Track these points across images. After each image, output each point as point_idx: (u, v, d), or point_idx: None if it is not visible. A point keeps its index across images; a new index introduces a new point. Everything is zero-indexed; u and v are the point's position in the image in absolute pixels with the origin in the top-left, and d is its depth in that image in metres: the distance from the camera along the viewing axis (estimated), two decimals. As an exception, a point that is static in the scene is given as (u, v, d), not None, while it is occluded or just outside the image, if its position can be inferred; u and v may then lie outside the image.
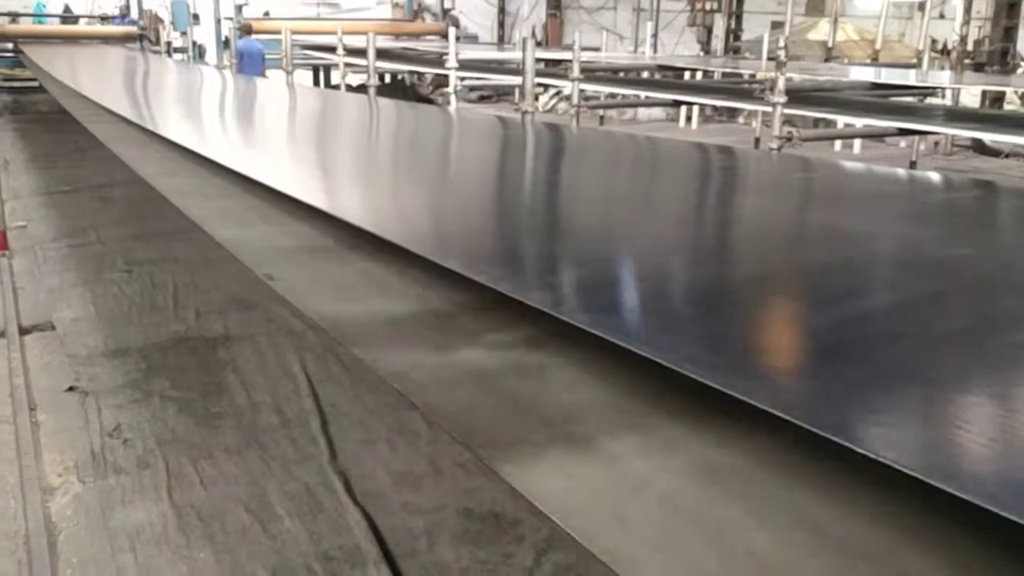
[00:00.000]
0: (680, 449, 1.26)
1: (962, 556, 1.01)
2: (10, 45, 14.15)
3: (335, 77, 13.68)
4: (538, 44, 14.17)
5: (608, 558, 1.05)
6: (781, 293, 1.96)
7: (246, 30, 13.45)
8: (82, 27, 16.52)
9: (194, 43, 14.51)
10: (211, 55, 15.42)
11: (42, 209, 7.33)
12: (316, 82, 15.69)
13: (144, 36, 14.97)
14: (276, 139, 5.34)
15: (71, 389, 3.74)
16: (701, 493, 1.17)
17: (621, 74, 11.38)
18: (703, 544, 1.07)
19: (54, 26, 16.07)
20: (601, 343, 1.47)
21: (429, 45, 14.25)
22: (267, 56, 13.21)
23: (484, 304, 1.78)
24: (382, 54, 11.01)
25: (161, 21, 15.47)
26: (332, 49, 11.40)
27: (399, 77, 15.60)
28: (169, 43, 14.69)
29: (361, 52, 10.17)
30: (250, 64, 12.36)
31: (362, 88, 11.07)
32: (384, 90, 13.04)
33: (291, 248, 2.42)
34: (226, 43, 14.82)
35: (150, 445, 3.25)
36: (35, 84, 12.33)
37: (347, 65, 11.13)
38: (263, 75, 11.71)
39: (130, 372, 3.93)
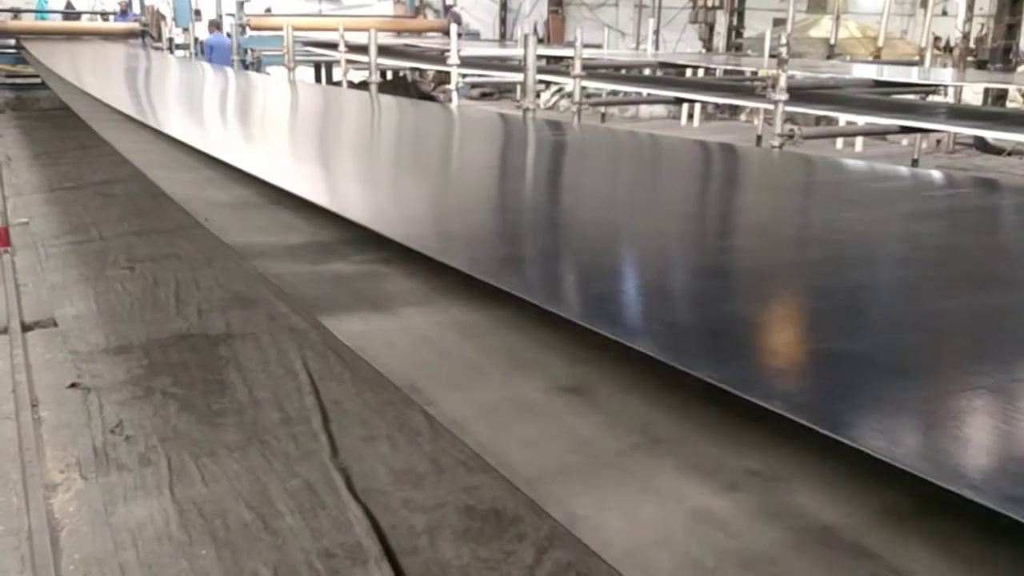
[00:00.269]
0: (448, 314, 1.96)
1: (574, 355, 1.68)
2: (12, 42, 14.13)
3: (337, 74, 13.71)
4: (540, 41, 14.16)
5: (371, 360, 1.73)
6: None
7: (214, 26, 14.67)
8: (84, 23, 16.52)
9: (196, 39, 14.49)
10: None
11: (44, 206, 7.34)
12: (318, 79, 15.68)
13: (146, 32, 14.95)
14: (254, 126, 5.90)
15: (73, 386, 3.75)
16: (446, 333, 1.87)
17: (623, 71, 11.37)
18: (436, 355, 1.78)
19: (56, 23, 16.07)
20: (432, 263, 2.10)
21: (431, 42, 14.24)
22: (269, 53, 13.87)
23: (362, 240, 2.43)
24: (384, 51, 11.01)
25: (163, 17, 15.46)
26: (334, 46, 11.39)
27: (401, 74, 15.59)
28: (171, 39, 14.68)
29: (363, 49, 10.16)
30: (219, 56, 13.71)
31: (364, 85, 11.06)
32: (386, 87, 13.03)
33: (229, 203, 3.11)
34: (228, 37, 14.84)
35: (152, 442, 3.25)
36: (37, 80, 12.34)
37: (349, 62, 11.12)
38: (231, 65, 12.91)
39: (132, 369, 3.94)
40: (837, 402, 1.30)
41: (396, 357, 1.74)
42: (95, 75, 8.94)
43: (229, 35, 14.54)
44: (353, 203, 3.06)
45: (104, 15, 16.89)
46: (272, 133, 5.60)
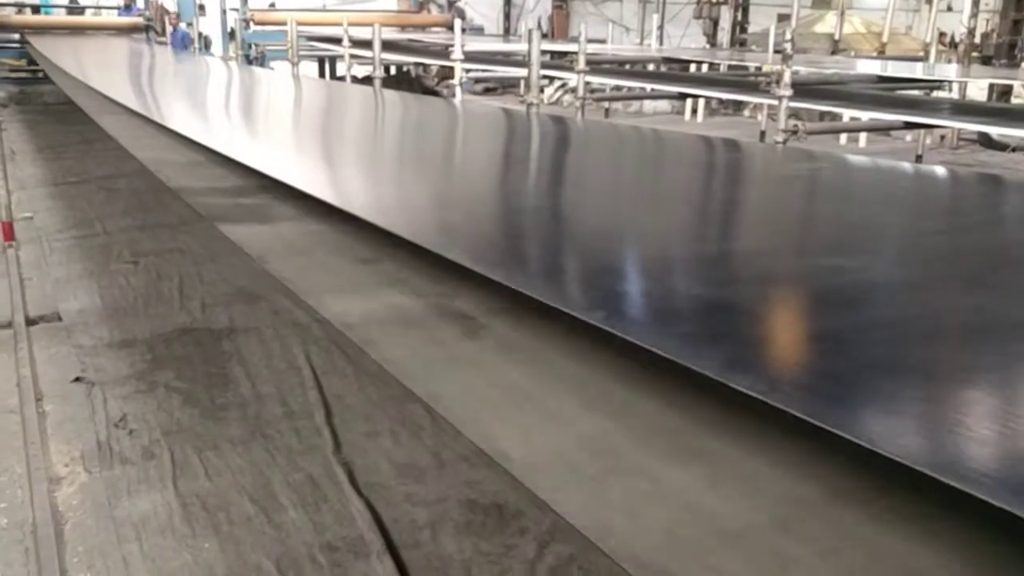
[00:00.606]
0: (306, 226, 2.73)
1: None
2: (16, 36, 14.14)
3: (340, 68, 13.72)
4: (544, 36, 14.13)
5: (244, 246, 2.58)
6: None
7: (176, 18, 15.31)
8: (88, 18, 16.52)
9: (200, 34, 14.50)
10: (217, 46, 15.44)
11: (49, 200, 7.35)
12: (322, 73, 15.70)
13: (150, 27, 14.97)
14: (227, 109, 6.58)
15: (77, 380, 3.76)
16: (298, 235, 2.66)
17: (627, 66, 11.36)
18: (283, 245, 2.60)
19: (60, 17, 16.06)
20: (312, 200, 2.84)
21: (435, 37, 14.24)
22: (273, 48, 14.30)
23: (270, 186, 3.15)
24: (388, 46, 11.00)
25: (167, 12, 15.47)
26: (338, 41, 11.39)
27: (404, 69, 15.60)
28: (186, 34, 14.69)
29: (367, 44, 10.17)
30: (181, 43, 14.51)
31: (368, 80, 11.07)
32: (389, 82, 13.04)
33: (181, 162, 3.90)
34: (232, 34, 14.87)
35: (156, 436, 3.27)
36: (41, 74, 12.35)
37: (353, 57, 11.12)
38: (187, 50, 13.79)
39: (136, 363, 3.95)
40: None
41: (261, 245, 2.62)
42: (96, 69, 8.96)
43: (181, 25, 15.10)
44: (267, 159, 3.90)
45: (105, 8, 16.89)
46: (238, 116, 6.38)
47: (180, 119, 5.25)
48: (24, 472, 3.00)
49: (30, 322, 4.45)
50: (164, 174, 3.66)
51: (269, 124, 5.79)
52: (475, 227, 2.58)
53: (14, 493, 2.90)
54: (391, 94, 8.13)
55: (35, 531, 2.66)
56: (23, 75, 14.32)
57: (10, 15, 14.68)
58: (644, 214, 2.85)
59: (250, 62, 14.25)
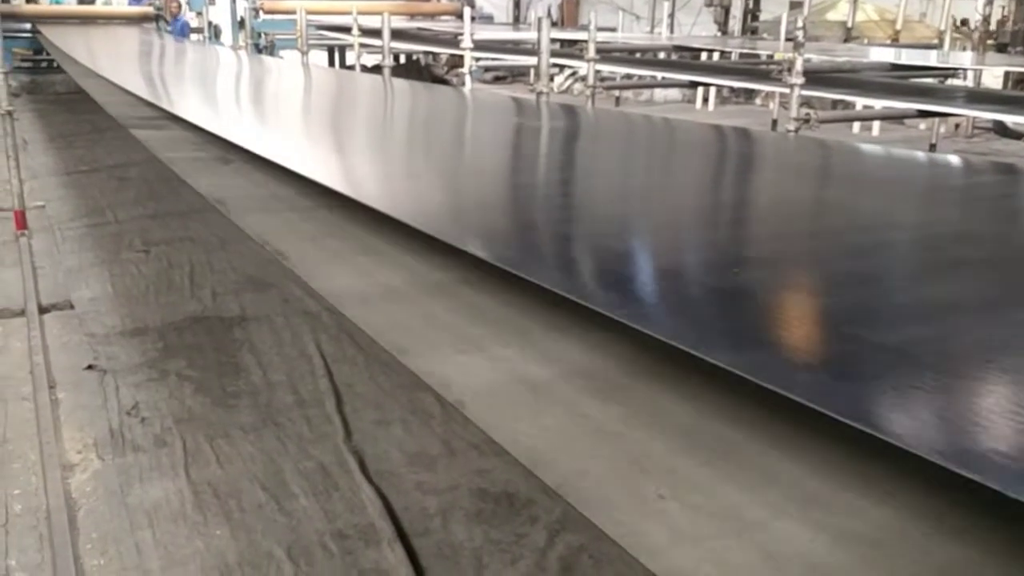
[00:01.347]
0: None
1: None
2: (27, 26, 14.15)
3: (350, 58, 13.69)
4: (554, 24, 14.07)
5: (163, 156, 3.89)
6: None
7: (178, 7, 15.47)
8: (99, 8, 16.51)
9: (210, 23, 14.49)
10: (227, 35, 15.43)
11: (60, 189, 7.38)
12: (331, 63, 15.66)
13: (160, 17, 14.96)
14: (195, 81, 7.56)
15: (90, 367, 3.78)
16: (205, 159, 3.75)
17: (637, 55, 11.30)
18: (196, 159, 3.78)
19: (70, 7, 16.06)
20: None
21: (444, 25, 14.18)
22: (283, 36, 14.27)
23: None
24: (397, 34, 10.96)
25: (174, 1, 15.45)
26: (347, 29, 11.36)
27: (414, 58, 15.55)
28: (186, 23, 14.69)
29: (376, 32, 10.14)
30: (181, 32, 14.81)
31: (377, 68, 11.04)
32: (399, 70, 12.99)
33: (139, 117, 4.88)
34: (241, 23, 14.86)
35: (167, 423, 3.28)
36: (54, 64, 12.37)
37: (362, 46, 11.09)
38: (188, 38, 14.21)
39: (147, 351, 3.97)
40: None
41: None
42: (102, 57, 8.98)
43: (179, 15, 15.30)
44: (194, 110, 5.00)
45: None
46: (205, 87, 7.27)
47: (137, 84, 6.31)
48: (38, 459, 3.02)
49: (42, 310, 4.47)
50: (127, 124, 4.85)
51: (212, 86, 7.31)
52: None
53: (28, 480, 2.92)
54: (326, 70, 8.62)
55: (49, 517, 2.68)
56: (32, 64, 14.33)
57: (21, 4, 14.68)
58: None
59: (260, 51, 14.24)
